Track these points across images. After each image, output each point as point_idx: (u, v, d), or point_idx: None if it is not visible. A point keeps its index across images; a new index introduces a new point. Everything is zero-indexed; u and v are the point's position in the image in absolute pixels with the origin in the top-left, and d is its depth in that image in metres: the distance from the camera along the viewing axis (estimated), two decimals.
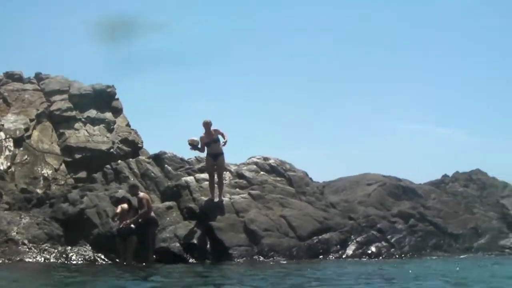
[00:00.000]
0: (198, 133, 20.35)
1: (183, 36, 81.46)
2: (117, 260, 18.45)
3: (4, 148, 25.59)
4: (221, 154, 20.26)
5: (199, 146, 20.30)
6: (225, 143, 20.10)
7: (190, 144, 20.18)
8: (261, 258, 18.59)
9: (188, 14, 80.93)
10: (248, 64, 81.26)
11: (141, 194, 18.47)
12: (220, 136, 20.27)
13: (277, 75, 78.99)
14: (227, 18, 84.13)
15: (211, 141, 20.22)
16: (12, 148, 25.82)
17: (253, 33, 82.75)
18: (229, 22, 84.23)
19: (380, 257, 20.65)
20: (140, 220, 18.09)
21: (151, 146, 29.64)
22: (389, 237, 21.84)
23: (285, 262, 18.28)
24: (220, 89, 79.69)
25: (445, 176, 28.38)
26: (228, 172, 22.28)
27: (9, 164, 25.29)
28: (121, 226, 18.06)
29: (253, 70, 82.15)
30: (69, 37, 76.46)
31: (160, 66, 76.43)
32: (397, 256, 21.05)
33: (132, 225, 17.96)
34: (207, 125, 20.28)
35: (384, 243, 21.53)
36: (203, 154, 20.94)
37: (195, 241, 18.85)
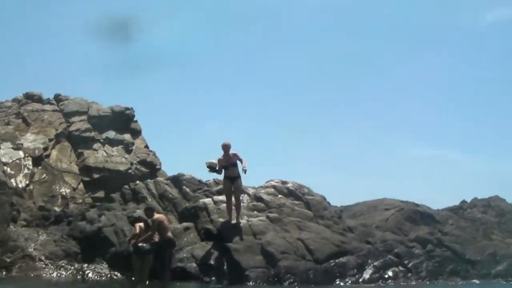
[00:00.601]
0: (214, 155, 20.43)
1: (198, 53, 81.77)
2: (133, 278, 18.44)
3: (23, 166, 25.80)
4: (238, 177, 20.22)
5: (217, 168, 20.24)
6: (245, 171, 19.95)
7: (208, 166, 20.15)
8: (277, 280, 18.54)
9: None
10: (263, 87, 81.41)
11: (155, 216, 18.48)
12: (238, 162, 20.21)
13: (293, 98, 79.22)
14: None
15: (229, 165, 20.17)
16: (31, 167, 26.03)
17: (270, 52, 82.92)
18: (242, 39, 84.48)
19: (397, 282, 20.55)
20: (154, 240, 18.17)
21: (168, 168, 29.78)
22: (406, 262, 21.73)
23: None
24: (235, 110, 79.86)
25: (463, 202, 28.24)
26: (246, 195, 22.30)
27: (27, 182, 25.48)
28: (137, 244, 18.11)
29: (267, 93, 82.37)
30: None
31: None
32: (414, 280, 20.94)
33: (145, 244, 18.00)
34: (226, 147, 20.18)
35: (401, 268, 21.42)
36: (221, 176, 20.93)
37: (212, 261, 18.83)
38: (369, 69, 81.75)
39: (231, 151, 20.21)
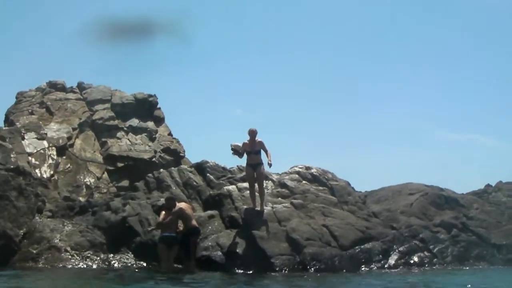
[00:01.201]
0: (239, 141, 20.39)
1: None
2: (159, 267, 18.48)
3: (47, 156, 25.86)
4: (260, 164, 20.16)
5: (240, 151, 20.28)
6: (270, 165, 19.91)
7: (232, 149, 20.22)
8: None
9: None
10: (283, 73, 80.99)
11: (177, 206, 18.49)
12: (262, 152, 20.15)
13: (316, 82, 78.86)
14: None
15: (252, 151, 20.13)
16: (55, 157, 26.09)
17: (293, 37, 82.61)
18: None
19: (423, 267, 20.48)
20: (179, 229, 18.25)
21: (192, 155, 29.81)
22: (431, 247, 21.67)
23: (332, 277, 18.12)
24: (257, 97, 79.69)
25: (488, 186, 28.02)
26: (270, 181, 22.30)
27: (52, 172, 25.55)
28: (162, 233, 18.19)
29: (288, 79, 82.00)
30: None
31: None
32: (439, 266, 20.88)
33: (172, 234, 18.09)
34: (252, 133, 20.10)
35: (426, 253, 21.36)
36: (243, 161, 20.92)
37: (237, 250, 18.82)
38: (396, 47, 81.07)
39: (257, 138, 20.16)
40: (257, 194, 20.18)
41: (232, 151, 20.31)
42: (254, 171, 20.10)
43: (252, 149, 20.11)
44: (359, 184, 34.67)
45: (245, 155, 20.32)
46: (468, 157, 68.38)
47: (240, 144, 20.26)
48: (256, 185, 20.25)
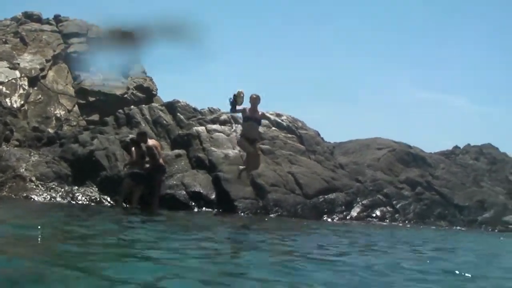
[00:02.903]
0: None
1: None
2: (123, 203, 18.43)
3: (18, 86, 25.59)
4: (257, 140, 17.90)
5: (236, 107, 16.96)
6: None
7: (236, 96, 16.73)
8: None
9: None
10: (263, 22, 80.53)
11: (150, 142, 18.40)
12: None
13: (294, 34, 78.54)
14: None
15: (253, 119, 17.14)
16: (26, 87, 25.81)
17: None
18: None
19: (384, 222, 20.69)
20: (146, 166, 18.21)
21: (164, 95, 29.62)
22: (394, 202, 21.93)
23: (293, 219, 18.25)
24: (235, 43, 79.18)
25: (456, 147, 28.30)
26: (239, 125, 22.29)
27: (22, 102, 25.30)
28: (133, 170, 18.14)
29: (271, 27, 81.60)
30: None
31: None
32: (400, 222, 21.10)
33: (141, 171, 18.04)
34: (255, 100, 17.10)
35: (389, 208, 21.63)
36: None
37: (201, 190, 18.88)
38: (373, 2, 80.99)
39: (260, 109, 17.44)
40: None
41: (231, 98, 16.88)
42: (251, 145, 17.30)
43: (254, 117, 17.16)
44: (328, 135, 34.71)
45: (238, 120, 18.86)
46: (438, 117, 68.93)
47: (241, 107, 17.20)
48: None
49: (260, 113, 17.26)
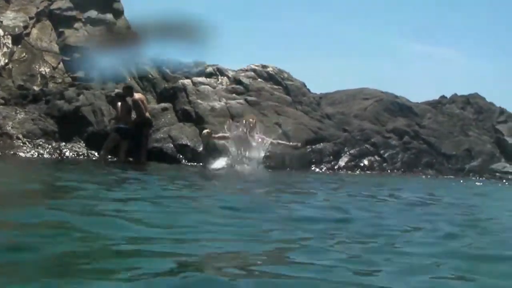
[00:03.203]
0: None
1: None
2: (108, 157, 18.42)
3: (2, 45, 25.30)
4: None
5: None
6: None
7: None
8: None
9: None
10: None
11: (136, 96, 18.36)
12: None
13: None
14: None
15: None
16: (10, 45, 25.56)
17: None
18: None
19: (372, 171, 20.77)
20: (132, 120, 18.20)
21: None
22: (382, 152, 22.00)
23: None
24: None
25: (442, 97, 28.28)
26: (225, 77, 22.24)
27: (6, 60, 25.05)
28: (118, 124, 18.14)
29: None
30: None
31: None
32: (389, 171, 21.18)
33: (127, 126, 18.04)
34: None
35: (377, 157, 21.71)
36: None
37: (188, 143, 18.88)
38: None
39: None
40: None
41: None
42: None
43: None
44: (314, 87, 34.67)
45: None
46: (425, 68, 68.83)
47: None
48: None
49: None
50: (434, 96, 29.16)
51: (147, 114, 18.41)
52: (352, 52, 73.46)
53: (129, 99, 18.26)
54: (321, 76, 56.42)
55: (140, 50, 23.00)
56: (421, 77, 64.45)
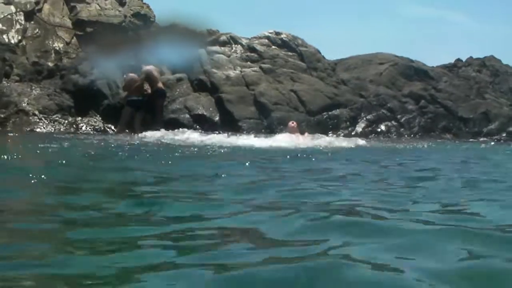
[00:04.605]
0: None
1: None
2: (127, 130, 18.42)
3: (15, 22, 25.28)
4: None
5: None
6: None
7: None
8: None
9: None
10: None
11: (148, 67, 18.39)
12: None
13: None
14: None
15: None
16: (23, 22, 25.53)
17: None
18: None
19: (389, 136, 20.68)
20: (146, 91, 18.21)
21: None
22: (399, 116, 21.89)
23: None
24: None
25: (458, 60, 28.02)
26: (239, 45, 22.14)
27: (20, 37, 25.03)
28: (130, 97, 18.15)
29: None
30: None
31: None
32: (406, 136, 21.08)
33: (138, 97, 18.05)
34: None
35: (393, 123, 21.60)
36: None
37: (204, 112, 18.86)
38: None
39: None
40: None
41: None
42: None
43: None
44: (329, 53, 34.45)
45: None
46: (438, 33, 68.33)
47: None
48: None
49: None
50: (449, 60, 28.86)
51: (160, 85, 18.38)
52: (365, 17, 72.92)
53: (142, 71, 18.28)
54: (334, 43, 56.12)
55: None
56: (435, 42, 63.99)
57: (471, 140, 22.12)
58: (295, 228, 3.91)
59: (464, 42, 62.41)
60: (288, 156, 10.99)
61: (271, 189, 6.04)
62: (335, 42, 57.16)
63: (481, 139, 22.55)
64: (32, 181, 6.07)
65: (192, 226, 4.08)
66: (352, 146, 15.30)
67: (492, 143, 21.26)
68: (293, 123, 17.15)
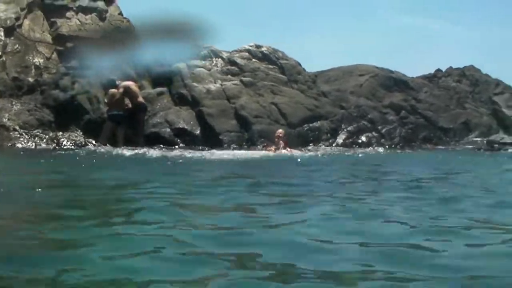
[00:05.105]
0: None
1: None
2: (107, 144, 18.39)
3: None
4: None
5: None
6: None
7: None
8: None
9: None
10: None
11: (126, 82, 18.49)
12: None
13: None
14: None
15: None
16: (2, 38, 25.47)
17: None
18: None
19: (370, 147, 20.74)
20: (128, 106, 18.26)
21: None
22: (379, 127, 21.97)
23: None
24: None
25: (438, 70, 28.24)
26: (219, 59, 22.19)
27: (0, 53, 25.03)
28: (111, 112, 18.19)
29: None
30: None
31: None
32: (387, 146, 21.15)
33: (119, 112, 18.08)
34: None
35: (374, 133, 21.67)
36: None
37: (185, 126, 18.88)
38: None
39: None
40: None
41: None
42: None
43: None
44: (309, 65, 34.53)
45: None
46: (418, 41, 68.66)
47: None
48: None
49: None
50: (429, 70, 29.07)
51: (140, 99, 18.42)
52: (344, 28, 73.18)
53: (120, 86, 18.33)
54: (314, 55, 56.24)
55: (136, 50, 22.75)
56: (415, 51, 64.35)
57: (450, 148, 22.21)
58: None
59: (445, 50, 62.58)
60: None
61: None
62: (315, 54, 57.23)
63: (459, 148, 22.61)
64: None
65: None
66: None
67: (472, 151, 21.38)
68: (281, 131, 17.46)
